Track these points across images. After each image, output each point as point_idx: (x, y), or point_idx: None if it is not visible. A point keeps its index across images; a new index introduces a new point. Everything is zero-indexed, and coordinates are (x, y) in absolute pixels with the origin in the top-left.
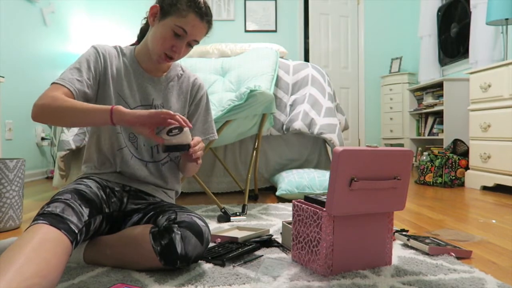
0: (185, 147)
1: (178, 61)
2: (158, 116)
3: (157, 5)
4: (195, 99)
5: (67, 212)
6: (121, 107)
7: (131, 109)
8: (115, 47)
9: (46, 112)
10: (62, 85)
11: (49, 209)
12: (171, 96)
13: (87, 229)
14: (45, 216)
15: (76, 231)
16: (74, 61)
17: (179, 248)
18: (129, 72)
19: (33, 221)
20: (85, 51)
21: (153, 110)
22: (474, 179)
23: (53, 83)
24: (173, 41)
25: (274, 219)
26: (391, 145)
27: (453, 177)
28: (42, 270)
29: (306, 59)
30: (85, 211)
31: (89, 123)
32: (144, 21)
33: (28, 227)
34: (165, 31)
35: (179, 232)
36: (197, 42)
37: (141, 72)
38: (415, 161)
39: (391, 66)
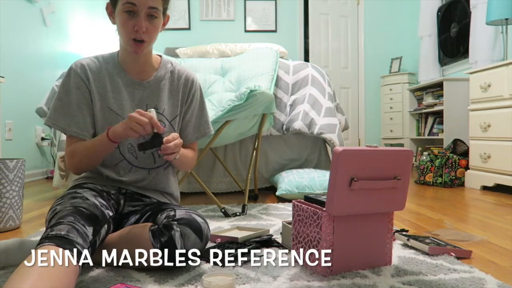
0: (158, 143)
1: (168, 58)
2: (131, 122)
3: (108, 3)
4: (188, 96)
5: (72, 234)
6: (112, 128)
7: (124, 119)
8: (96, 58)
9: (74, 168)
10: (70, 136)
11: (53, 232)
12: (163, 97)
13: (93, 248)
14: (50, 238)
15: (83, 252)
16: (59, 91)
17: (178, 245)
18: (116, 82)
19: (39, 244)
20: (64, 77)
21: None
22: (474, 179)
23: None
24: (130, 21)
25: (274, 219)
26: (391, 145)
27: (453, 177)
28: (56, 287)
29: (306, 59)
30: (89, 231)
31: (104, 154)
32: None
33: (35, 249)
34: (120, 17)
35: (179, 229)
36: (155, 9)
37: (129, 80)
38: (415, 161)
39: (391, 66)
